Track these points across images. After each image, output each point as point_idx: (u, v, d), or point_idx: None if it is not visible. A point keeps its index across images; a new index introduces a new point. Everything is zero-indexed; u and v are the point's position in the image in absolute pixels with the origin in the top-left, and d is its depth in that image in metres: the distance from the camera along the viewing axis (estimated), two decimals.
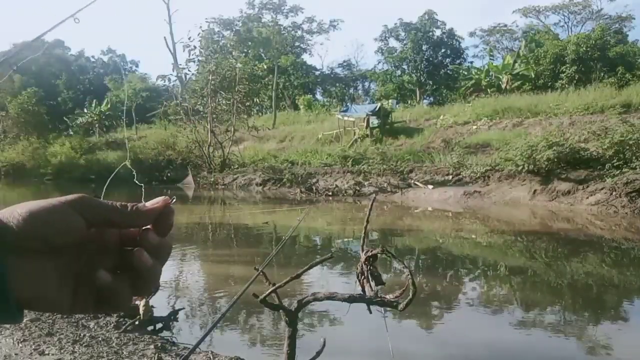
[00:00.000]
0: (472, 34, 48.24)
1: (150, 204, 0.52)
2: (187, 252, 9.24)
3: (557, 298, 6.42)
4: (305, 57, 48.83)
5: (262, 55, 42.91)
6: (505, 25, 46.88)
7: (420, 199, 17.38)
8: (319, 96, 49.35)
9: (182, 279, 7.25)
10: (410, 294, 2.09)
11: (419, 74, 39.92)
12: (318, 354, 2.52)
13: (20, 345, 3.84)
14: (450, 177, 18.18)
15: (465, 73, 35.89)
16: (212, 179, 25.08)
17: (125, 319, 4.49)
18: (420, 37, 39.31)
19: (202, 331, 4.76)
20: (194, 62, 33.53)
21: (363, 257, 2.28)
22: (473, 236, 11.42)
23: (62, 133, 43.17)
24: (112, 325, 4.41)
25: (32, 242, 0.46)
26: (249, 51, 42.20)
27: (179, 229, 11.35)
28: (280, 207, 16.87)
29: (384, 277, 2.33)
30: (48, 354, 3.70)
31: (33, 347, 3.80)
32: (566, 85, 27.51)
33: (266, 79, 37.24)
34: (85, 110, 42.41)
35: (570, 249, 9.72)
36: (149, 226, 0.52)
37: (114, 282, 0.50)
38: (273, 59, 40.46)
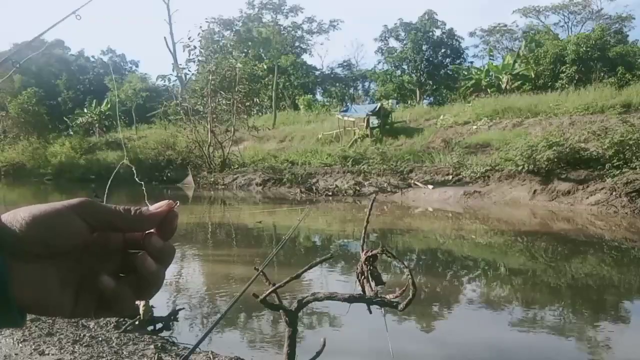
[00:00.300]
0: (472, 34, 48.27)
1: (154, 208, 0.52)
2: (187, 252, 9.24)
3: (557, 298, 6.42)
4: (305, 57, 48.87)
5: (262, 55, 42.91)
6: (505, 25, 46.90)
7: (420, 199, 17.38)
8: (319, 96, 49.38)
9: (182, 279, 7.25)
10: (410, 294, 2.09)
11: (419, 74, 39.92)
12: (318, 354, 2.52)
13: (20, 345, 3.84)
14: (450, 177, 18.18)
15: (465, 73, 35.90)
16: (212, 179, 25.08)
17: (125, 319, 4.50)
18: (420, 37, 39.31)
19: (202, 331, 4.75)
20: (194, 62, 33.60)
21: (363, 257, 2.28)
22: (473, 236, 11.43)
23: (62, 133, 43.19)
24: (112, 325, 4.41)
25: (35, 247, 0.46)
26: (249, 51, 42.20)
27: (179, 229, 11.31)
28: (280, 207, 16.87)
29: (384, 277, 2.33)
30: (48, 354, 3.70)
31: (33, 347, 3.80)
32: (566, 85, 27.51)
33: (266, 79, 37.29)
34: (85, 110, 42.42)
35: (570, 249, 9.71)
36: (152, 230, 0.52)
37: (117, 287, 0.50)
38: (273, 59, 40.46)
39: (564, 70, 29.49)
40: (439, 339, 5.00)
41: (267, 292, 2.38)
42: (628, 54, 30.10)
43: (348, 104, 37.05)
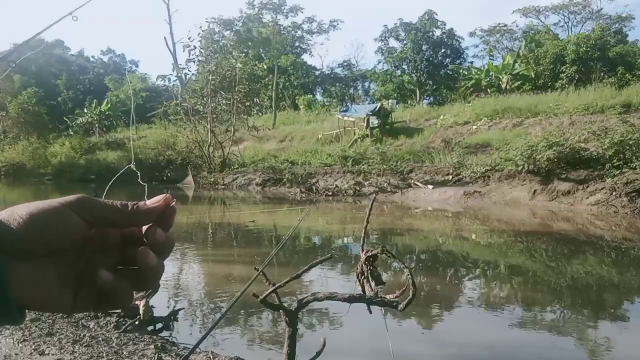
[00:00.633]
0: (472, 34, 48.27)
1: (151, 202, 0.52)
2: (187, 252, 9.24)
3: (557, 298, 6.42)
4: (305, 57, 48.87)
5: (262, 55, 42.91)
6: (505, 25, 46.90)
7: (420, 199, 17.37)
8: (319, 96, 49.39)
9: (182, 279, 7.25)
10: (410, 294, 2.09)
11: (419, 74, 39.92)
12: (318, 354, 2.52)
13: (20, 345, 3.84)
14: (450, 177, 18.18)
15: (465, 73, 35.90)
16: (212, 179, 25.08)
17: (125, 319, 4.50)
18: (420, 37, 39.31)
19: (202, 331, 4.76)
20: (194, 62, 33.59)
21: (363, 257, 2.28)
22: (473, 236, 11.42)
23: (62, 133, 43.18)
24: (112, 325, 4.41)
25: (32, 245, 0.46)
26: (249, 51, 42.20)
27: (179, 229, 11.35)
28: (280, 207, 16.87)
29: (384, 277, 2.33)
30: (48, 354, 3.70)
31: (33, 347, 3.80)
32: (566, 85, 27.52)
33: (266, 79, 37.28)
34: (85, 110, 42.42)
35: (570, 249, 9.71)
36: (151, 224, 0.52)
37: (115, 280, 0.50)
38: (273, 59, 40.46)
39: (564, 70, 29.48)
40: (439, 339, 5.00)
41: (267, 292, 2.38)
42: (628, 54, 30.10)
43: (348, 104, 37.05)
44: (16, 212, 0.46)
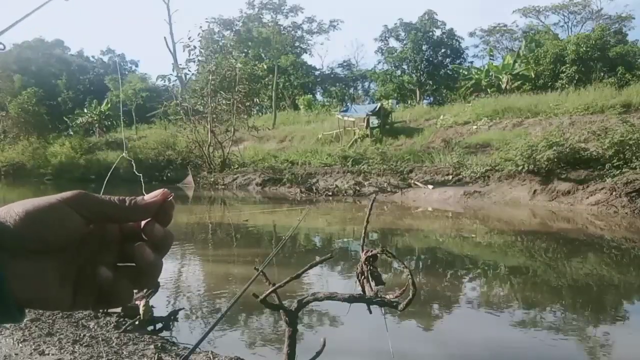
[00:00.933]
0: (472, 34, 48.24)
1: (149, 197, 0.52)
2: (187, 252, 9.24)
3: (557, 298, 6.42)
4: (305, 57, 48.82)
5: (262, 55, 42.90)
6: (505, 25, 46.90)
7: (420, 199, 17.37)
8: (319, 96, 49.36)
9: (182, 279, 7.25)
10: (410, 294, 2.09)
11: (419, 74, 39.90)
12: (318, 354, 2.52)
13: (20, 345, 3.84)
14: (450, 177, 18.18)
15: (465, 73, 35.89)
16: (212, 179, 25.08)
17: (125, 319, 4.49)
18: (420, 37, 39.29)
19: (202, 331, 4.75)
20: (194, 62, 33.60)
21: (363, 257, 2.28)
22: (473, 236, 11.42)
23: (62, 133, 43.18)
24: (112, 325, 4.41)
25: (30, 242, 0.45)
26: (249, 51, 42.19)
27: (179, 229, 11.34)
28: (280, 207, 16.87)
29: (384, 277, 2.33)
30: (48, 354, 3.70)
31: (33, 347, 3.80)
32: (566, 85, 27.51)
33: (266, 79, 37.24)
34: (85, 110, 42.42)
35: (570, 249, 9.71)
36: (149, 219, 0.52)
37: (115, 278, 0.49)
38: (273, 59, 40.46)
39: (564, 70, 29.48)
40: (439, 339, 5.00)
41: (267, 292, 2.38)
42: (628, 54, 30.09)
43: (348, 104, 37.05)
44: (13, 210, 0.46)
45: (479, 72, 34.07)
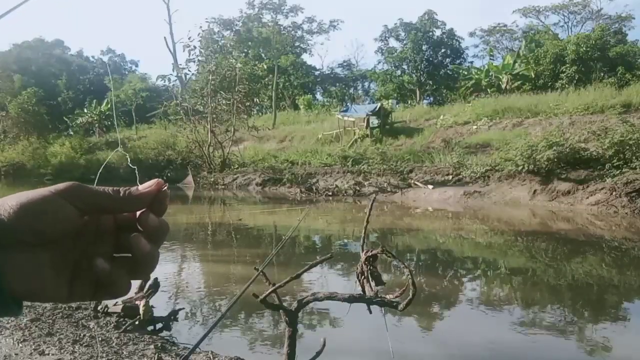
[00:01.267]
0: (472, 34, 48.23)
1: (143, 187, 0.51)
2: (187, 252, 9.24)
3: (557, 298, 6.42)
4: (305, 57, 48.82)
5: (262, 55, 42.90)
6: (505, 25, 46.89)
7: (420, 199, 17.37)
8: (319, 96, 49.37)
9: (182, 279, 7.25)
10: (410, 294, 2.09)
11: (419, 74, 39.90)
12: (318, 354, 2.52)
13: (20, 345, 3.84)
14: (450, 177, 18.18)
15: (465, 73, 35.89)
16: (212, 179, 25.09)
17: (125, 319, 4.49)
18: (420, 37, 39.29)
19: (202, 331, 4.75)
20: (194, 62, 33.59)
21: (363, 257, 2.28)
22: (473, 236, 11.42)
23: (62, 133, 43.18)
24: (112, 325, 4.41)
25: (24, 235, 0.45)
26: (249, 51, 42.20)
27: (179, 229, 11.34)
28: (280, 207, 16.87)
29: (384, 277, 2.33)
30: (48, 354, 3.70)
31: (33, 347, 3.80)
32: (566, 85, 27.51)
33: (266, 79, 37.25)
34: (85, 110, 42.42)
35: (570, 249, 9.71)
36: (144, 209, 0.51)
37: (112, 269, 0.49)
38: (273, 59, 40.45)
39: (564, 70, 29.47)
40: (439, 339, 5.00)
41: (267, 292, 2.38)
42: (628, 54, 30.09)
43: (348, 104, 37.05)
44: (7, 203, 0.46)
45: (479, 72, 34.07)
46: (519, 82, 31.01)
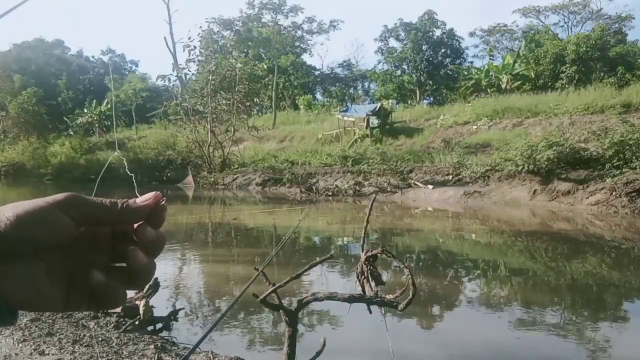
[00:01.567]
0: (472, 34, 48.22)
1: (140, 200, 0.51)
2: (187, 252, 9.24)
3: (557, 298, 6.42)
4: (305, 57, 48.81)
5: (262, 55, 42.89)
6: (505, 25, 46.88)
7: (420, 199, 17.37)
8: (319, 96, 49.38)
9: (182, 279, 7.24)
10: (410, 294, 2.09)
11: (419, 74, 39.90)
12: (318, 354, 2.52)
13: (20, 345, 3.84)
14: (450, 177, 18.18)
15: (465, 73, 35.89)
16: (212, 179, 25.08)
17: (125, 319, 4.49)
18: (420, 37, 39.29)
19: (202, 331, 4.75)
20: (194, 62, 33.57)
21: (363, 257, 2.28)
22: (473, 236, 11.42)
23: (62, 133, 43.18)
24: (112, 325, 4.41)
25: (20, 246, 0.45)
26: (249, 51, 42.18)
27: (179, 229, 11.34)
28: (280, 207, 16.87)
29: (384, 277, 2.33)
30: (48, 354, 3.70)
31: (33, 347, 3.80)
32: (566, 85, 27.51)
33: (266, 79, 37.25)
34: (85, 110, 42.43)
35: (570, 249, 9.71)
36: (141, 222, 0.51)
37: (108, 282, 0.49)
38: (273, 59, 40.45)
39: (564, 70, 29.47)
40: (439, 339, 5.00)
41: (267, 292, 2.38)
42: (628, 54, 30.08)
43: (348, 104, 37.04)
44: (3, 214, 0.46)
45: (479, 72, 34.07)
46: (519, 82, 31.01)
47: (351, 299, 2.22)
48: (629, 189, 13.16)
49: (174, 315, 4.81)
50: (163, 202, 0.52)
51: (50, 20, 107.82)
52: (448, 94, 38.55)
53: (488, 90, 31.68)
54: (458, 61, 40.78)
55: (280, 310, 2.41)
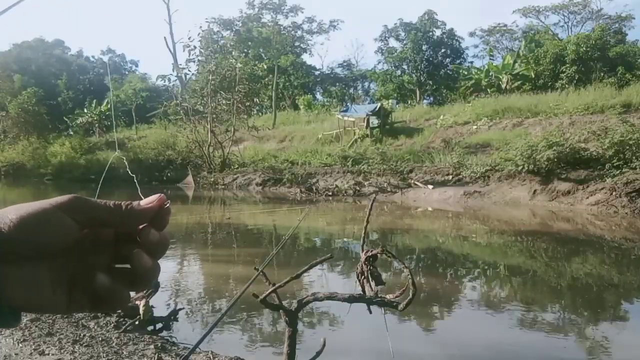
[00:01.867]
0: (472, 34, 48.20)
1: (145, 202, 0.51)
2: (187, 252, 9.24)
3: (557, 298, 6.42)
4: (305, 57, 48.79)
5: (262, 55, 42.89)
6: (505, 25, 46.87)
7: (420, 199, 17.37)
8: (319, 96, 49.35)
9: (182, 279, 7.24)
10: (410, 294, 2.09)
11: (419, 74, 39.90)
12: (318, 354, 2.52)
13: (20, 345, 3.84)
14: (450, 177, 18.18)
15: (465, 73, 35.88)
16: (212, 179, 25.08)
17: (125, 319, 4.49)
18: (420, 37, 39.28)
19: (202, 331, 4.75)
20: (194, 62, 33.60)
21: (363, 257, 2.28)
22: (473, 236, 11.42)
23: (62, 133, 43.17)
24: (112, 325, 4.41)
25: (23, 248, 0.45)
26: (249, 51, 42.19)
27: (180, 229, 11.34)
28: (280, 207, 16.87)
29: (384, 277, 2.33)
30: (48, 354, 3.70)
31: (33, 347, 3.80)
32: (566, 85, 27.51)
33: (266, 79, 37.27)
34: (85, 110, 42.43)
35: (570, 249, 9.71)
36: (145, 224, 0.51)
37: (112, 284, 0.49)
38: (273, 59, 40.44)
39: (564, 70, 29.47)
40: (439, 339, 5.00)
41: (267, 292, 2.38)
42: (628, 54, 30.08)
43: (348, 104, 37.05)
44: (6, 216, 0.46)
45: (479, 72, 34.07)
46: (519, 82, 31.01)
47: (351, 299, 2.22)
48: (629, 189, 13.16)
49: (174, 315, 4.81)
50: (167, 204, 0.52)
51: (50, 20, 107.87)
52: (448, 94, 38.55)
53: (488, 90, 31.68)
54: (458, 61, 40.77)
55: (280, 310, 2.42)
